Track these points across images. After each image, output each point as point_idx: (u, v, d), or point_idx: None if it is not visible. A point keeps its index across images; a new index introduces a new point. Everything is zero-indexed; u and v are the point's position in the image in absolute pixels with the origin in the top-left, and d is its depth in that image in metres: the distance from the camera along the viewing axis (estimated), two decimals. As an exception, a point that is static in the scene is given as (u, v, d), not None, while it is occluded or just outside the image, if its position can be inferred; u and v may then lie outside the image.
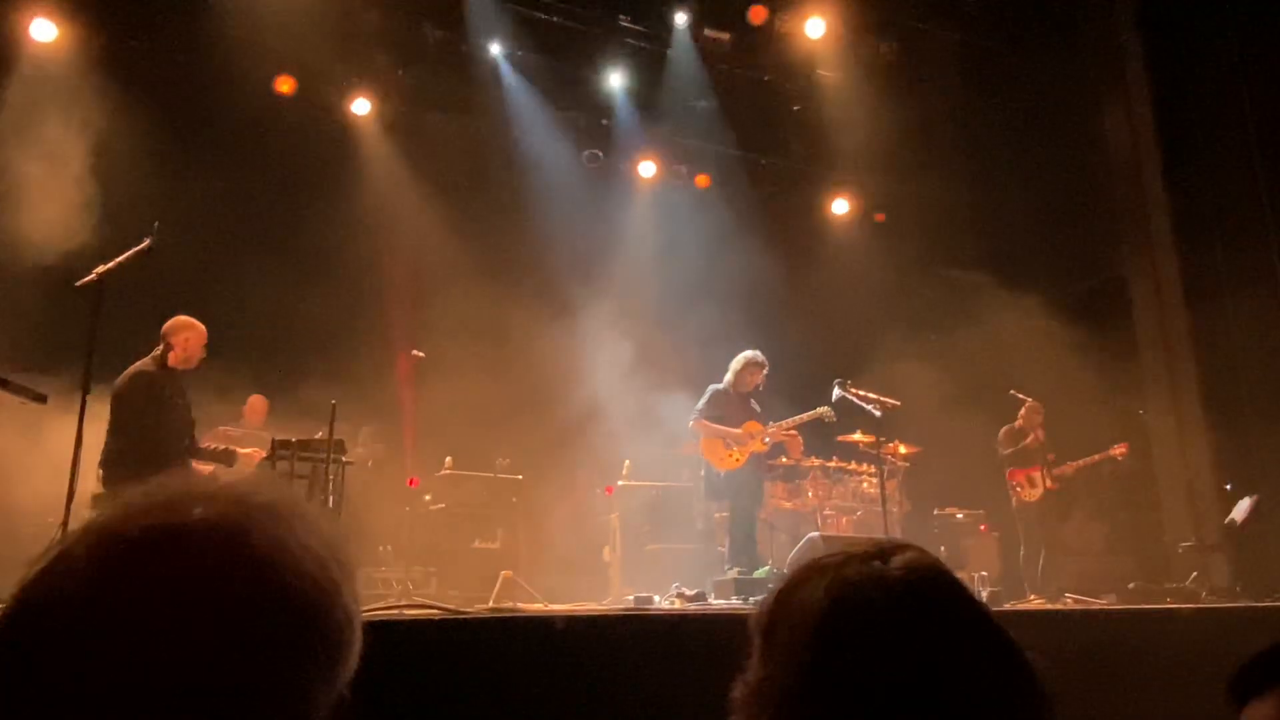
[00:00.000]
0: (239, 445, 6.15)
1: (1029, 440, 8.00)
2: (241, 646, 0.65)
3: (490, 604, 5.67)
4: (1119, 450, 7.96)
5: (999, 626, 0.90)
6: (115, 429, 5.25)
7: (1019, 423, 8.14)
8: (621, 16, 9.21)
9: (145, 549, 0.67)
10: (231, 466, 5.88)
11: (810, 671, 0.87)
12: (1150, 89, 8.91)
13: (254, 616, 0.66)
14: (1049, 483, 7.84)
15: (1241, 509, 7.46)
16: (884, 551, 0.93)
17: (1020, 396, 8.13)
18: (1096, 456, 8.01)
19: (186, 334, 5.48)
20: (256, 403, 7.38)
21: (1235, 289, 8.30)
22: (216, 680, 0.64)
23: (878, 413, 6.77)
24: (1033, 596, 7.20)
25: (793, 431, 7.00)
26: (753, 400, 6.95)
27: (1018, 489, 7.94)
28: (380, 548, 7.22)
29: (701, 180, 10.11)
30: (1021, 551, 7.85)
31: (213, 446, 5.86)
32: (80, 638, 0.63)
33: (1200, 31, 8.32)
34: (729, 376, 6.92)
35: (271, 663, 0.66)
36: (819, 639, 0.88)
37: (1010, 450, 8.04)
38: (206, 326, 5.68)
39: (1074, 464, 8.03)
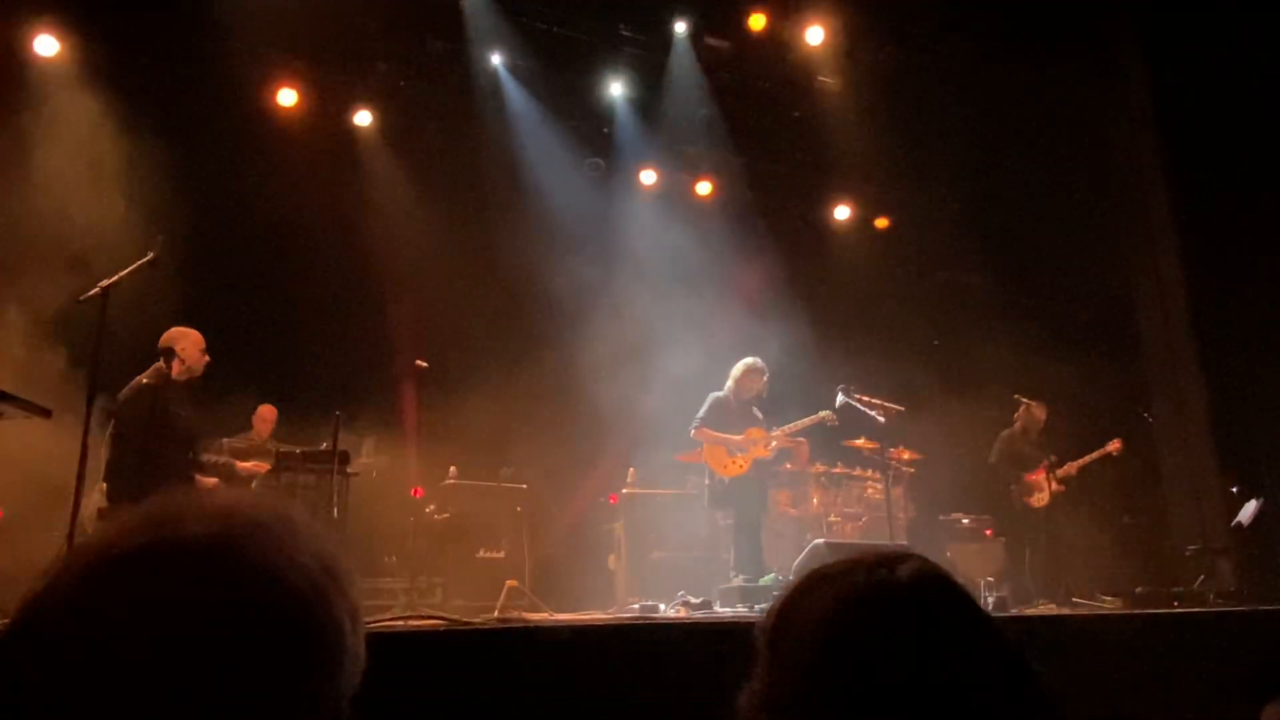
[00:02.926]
0: (244, 458, 6.17)
1: (1030, 443, 8.02)
2: (222, 664, 0.66)
3: (496, 614, 5.66)
4: (1114, 446, 8.05)
5: (1005, 636, 0.90)
6: (119, 442, 5.25)
7: (1018, 426, 8.16)
8: (621, 25, 9.24)
9: (131, 568, 0.68)
10: (232, 480, 5.90)
11: (817, 680, 0.87)
12: (1153, 101, 8.92)
13: (235, 633, 0.67)
14: (1054, 485, 7.86)
15: (1247, 512, 7.44)
16: (890, 560, 0.93)
17: (1024, 400, 8.13)
18: (1095, 454, 8.09)
19: (183, 343, 5.50)
20: (265, 412, 7.39)
21: (1240, 292, 8.29)
22: (197, 698, 0.64)
23: (882, 418, 6.77)
24: (1040, 602, 7.18)
25: (800, 439, 6.99)
26: (754, 407, 6.95)
27: (1025, 494, 7.94)
28: (385, 558, 7.22)
29: (703, 188, 10.13)
30: (1028, 556, 7.84)
31: (214, 460, 5.87)
32: (67, 658, 0.64)
33: (1204, 45, 8.32)
34: (729, 384, 6.92)
35: (254, 679, 0.67)
36: (826, 647, 0.88)
37: (1009, 455, 8.05)
38: (210, 338, 5.69)
39: (1074, 464, 8.09)
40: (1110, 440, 8.07)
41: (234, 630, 0.67)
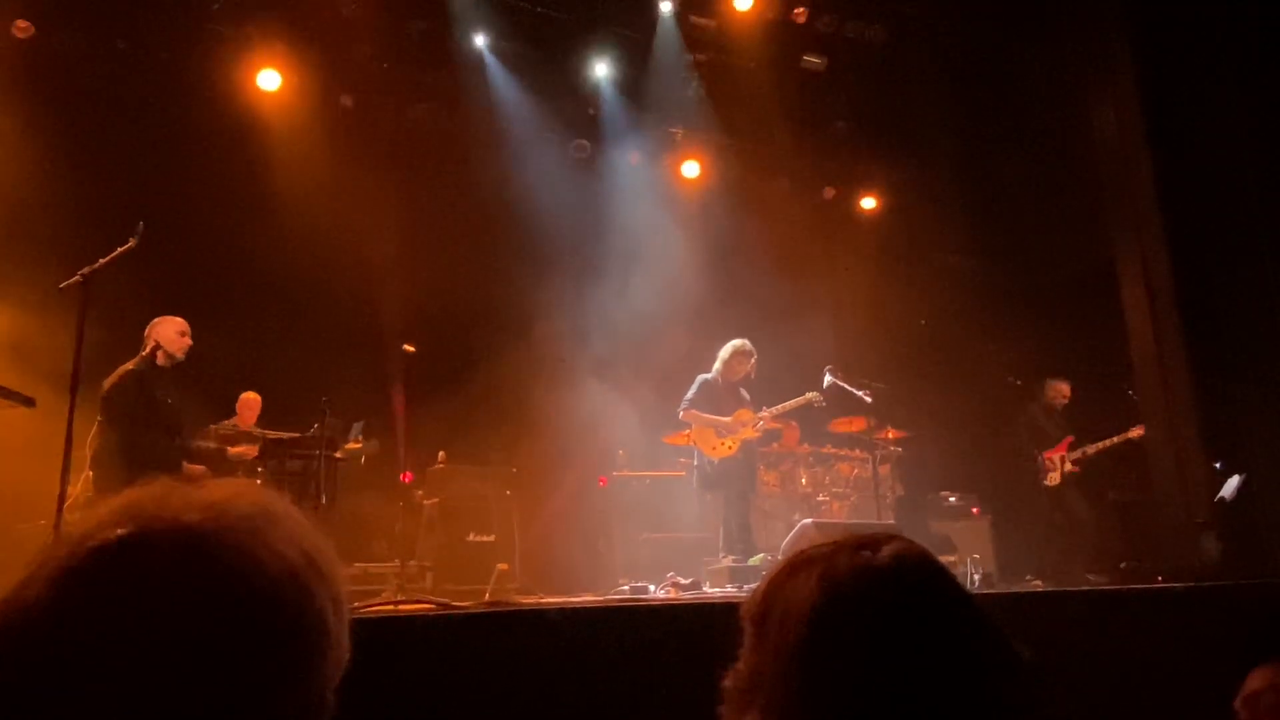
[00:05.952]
0: (231, 445, 6.15)
1: (1052, 421, 8.04)
2: (200, 655, 0.66)
3: (486, 597, 5.68)
4: (1136, 431, 7.94)
5: (985, 614, 0.92)
6: (105, 430, 5.24)
7: (1046, 400, 8.15)
8: (606, 5, 9.17)
9: (109, 561, 0.68)
10: (222, 464, 5.88)
11: (801, 661, 0.88)
12: (1137, 73, 8.91)
13: (213, 624, 0.67)
14: (1069, 465, 7.89)
15: (1231, 487, 7.50)
16: (873, 542, 0.94)
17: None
18: (1115, 438, 7.98)
19: (162, 328, 5.53)
20: (249, 398, 7.34)
21: (1223, 269, 8.33)
22: (176, 690, 0.64)
23: (868, 398, 6.80)
24: (1029, 577, 7.25)
25: (792, 421, 7.01)
26: (742, 388, 6.97)
27: (1038, 472, 7.97)
28: (374, 543, 7.22)
29: (690, 169, 10.09)
30: (1039, 533, 7.90)
31: (204, 445, 5.86)
32: (47, 651, 0.64)
33: (1187, 14, 8.32)
34: (717, 365, 6.93)
35: (233, 670, 0.67)
36: (810, 629, 0.88)
37: (1031, 431, 8.06)
38: (194, 325, 5.69)
39: (1095, 446, 7.99)
40: (1134, 426, 7.93)
41: (212, 621, 0.67)
